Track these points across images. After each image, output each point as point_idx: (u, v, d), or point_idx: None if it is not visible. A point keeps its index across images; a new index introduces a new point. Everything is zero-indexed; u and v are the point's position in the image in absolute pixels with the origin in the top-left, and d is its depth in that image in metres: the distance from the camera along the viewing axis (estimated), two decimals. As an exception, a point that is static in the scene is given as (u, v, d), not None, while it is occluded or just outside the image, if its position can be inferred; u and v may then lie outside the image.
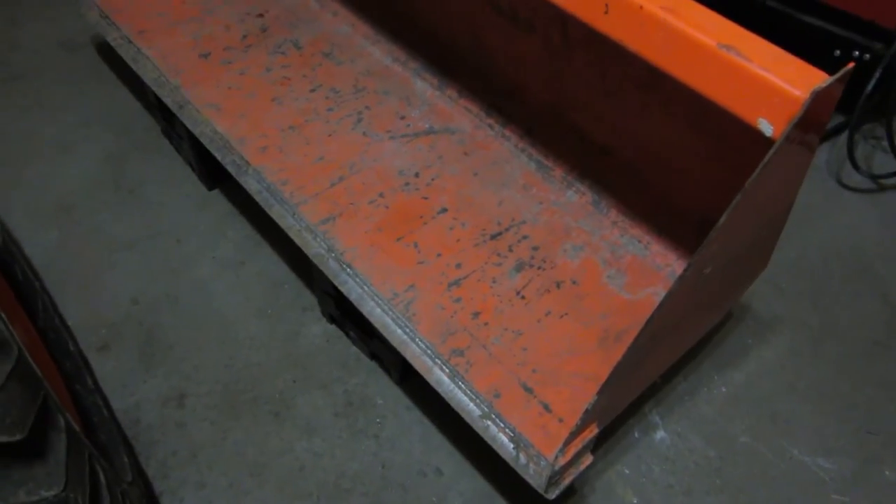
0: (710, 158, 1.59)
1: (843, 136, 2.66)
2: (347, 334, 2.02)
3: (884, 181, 2.58)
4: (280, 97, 2.11)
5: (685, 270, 1.19)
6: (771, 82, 1.07)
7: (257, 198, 1.88)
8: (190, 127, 2.01)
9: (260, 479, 1.80)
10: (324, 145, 2.00)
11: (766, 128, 1.08)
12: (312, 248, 1.76)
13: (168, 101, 2.07)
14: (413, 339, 1.59)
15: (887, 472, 1.88)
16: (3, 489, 0.98)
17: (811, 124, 1.12)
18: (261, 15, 2.39)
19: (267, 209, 1.87)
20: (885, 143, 2.56)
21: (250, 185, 1.88)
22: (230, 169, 1.93)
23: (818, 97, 1.03)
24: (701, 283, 1.32)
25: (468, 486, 1.79)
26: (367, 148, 2.00)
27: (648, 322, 1.23)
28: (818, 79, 1.05)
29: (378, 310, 1.65)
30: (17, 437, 0.95)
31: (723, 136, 1.51)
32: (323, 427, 1.89)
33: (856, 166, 2.52)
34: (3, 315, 1.10)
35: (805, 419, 1.96)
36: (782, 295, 2.24)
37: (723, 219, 1.14)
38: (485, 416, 1.48)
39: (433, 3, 2.11)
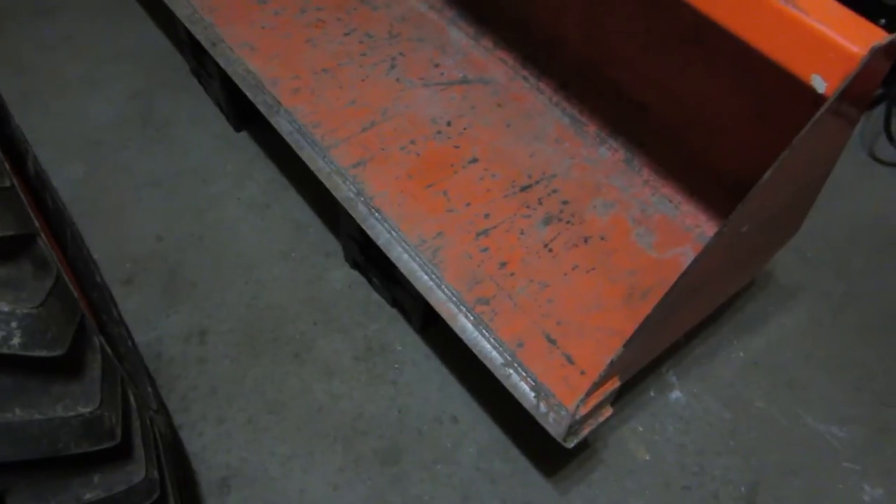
0: (751, 118, 1.57)
1: (880, 109, 2.62)
2: (370, 280, 2.03)
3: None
4: (314, 39, 2.09)
5: (723, 226, 1.18)
6: (827, 37, 1.04)
7: (288, 139, 1.88)
8: (223, 65, 2.00)
9: (279, 417, 1.82)
10: (356, 89, 1.98)
11: (820, 84, 1.06)
12: (342, 191, 1.76)
13: (201, 38, 2.05)
14: (439, 286, 1.60)
15: (900, 444, 1.89)
16: (42, 403, 1.00)
17: (864, 85, 1.10)
18: (295, -44, 2.36)
19: (298, 151, 1.87)
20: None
21: (282, 125, 1.87)
22: (262, 109, 1.92)
23: (876, 55, 1.01)
24: (736, 242, 1.31)
25: (483, 435, 1.81)
26: (400, 94, 1.99)
27: (682, 277, 1.23)
28: (876, 36, 1.03)
29: (405, 255, 1.65)
30: (58, 352, 0.97)
31: (767, 94, 1.49)
32: (342, 370, 1.91)
33: (891, 139, 2.49)
34: (43, 235, 1.11)
35: (821, 387, 1.97)
36: (806, 264, 2.23)
37: (767, 175, 1.13)
38: (507, 364, 1.49)
39: (471, -50, 2.08)
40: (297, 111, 1.90)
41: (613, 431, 1.85)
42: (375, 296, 2.04)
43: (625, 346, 1.32)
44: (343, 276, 2.08)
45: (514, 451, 1.80)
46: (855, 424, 1.91)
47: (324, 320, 1.99)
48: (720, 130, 1.67)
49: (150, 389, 1.67)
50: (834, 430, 1.90)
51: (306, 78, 1.99)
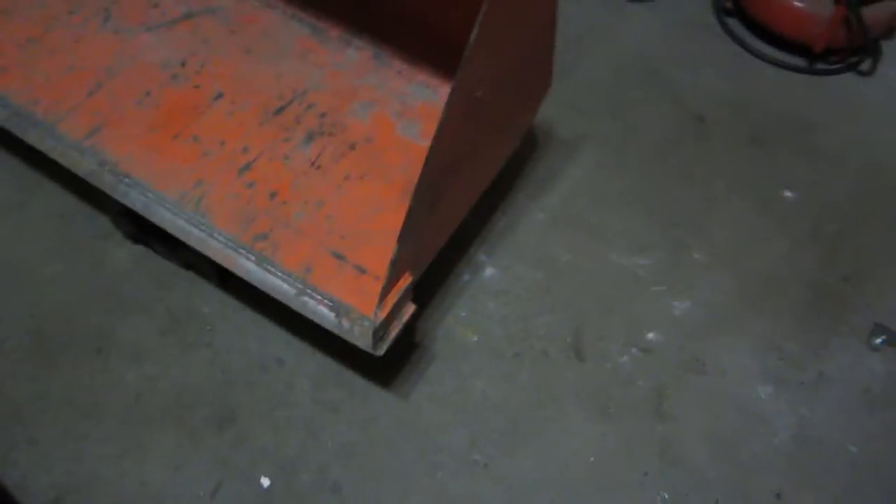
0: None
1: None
2: (155, 250, 1.90)
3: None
4: (7, 9, 1.86)
5: (450, 97, 1.16)
6: None
7: (7, 125, 1.68)
8: None
9: (96, 419, 1.70)
10: (72, 53, 1.79)
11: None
12: (83, 165, 1.61)
13: None
14: (211, 235, 1.51)
15: (696, 256, 2.03)
16: None
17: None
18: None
19: (22, 135, 1.68)
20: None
21: (-7, 112, 1.67)
22: (-34, 101, 1.70)
23: None
24: (476, 109, 1.30)
25: (313, 368, 1.78)
26: (123, 47, 1.81)
27: (428, 158, 1.21)
28: None
29: (168, 214, 1.54)
30: None
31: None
32: (151, 350, 1.80)
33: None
34: None
35: (618, 225, 2.06)
36: (583, 115, 2.30)
37: (474, 34, 1.11)
38: (300, 292, 1.44)
39: None
40: (10, 93, 1.70)
41: (439, 324, 1.86)
42: (167, 264, 1.91)
43: (399, 242, 1.30)
44: (126, 254, 1.93)
45: (348, 375, 1.78)
46: (654, 250, 2.03)
47: (118, 305, 1.86)
48: (451, 4, 1.63)
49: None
50: (637, 260, 2.01)
51: (11, 53, 1.77)
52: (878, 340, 1.88)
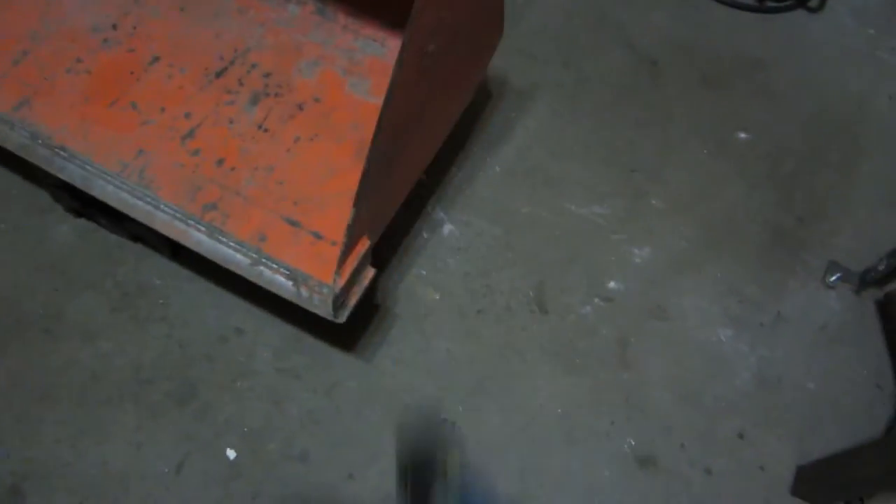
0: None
1: None
2: (99, 223, 1.82)
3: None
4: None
5: (401, 53, 1.11)
6: None
7: (-73, 99, 1.57)
8: None
9: (52, 402, 1.65)
10: (-7, 17, 1.68)
11: None
12: (13, 139, 1.52)
13: None
14: (157, 208, 1.44)
15: (654, 202, 2.02)
16: None
17: None
18: None
19: (-55, 110, 1.58)
20: None
21: None
22: None
23: None
24: (428, 64, 1.25)
25: (273, 336, 1.74)
26: (47, 9, 1.70)
27: (380, 120, 1.16)
28: None
29: (110, 187, 1.47)
30: None
31: None
32: (104, 327, 1.74)
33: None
34: None
35: (575, 175, 2.04)
36: (535, 62, 2.25)
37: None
38: (255, 262, 1.40)
39: None
40: (-72, 64, 1.58)
41: (400, 284, 1.83)
42: (114, 237, 1.84)
43: (354, 206, 1.26)
44: (70, 229, 1.85)
45: (309, 340, 1.75)
46: (612, 198, 2.02)
47: (64, 283, 1.78)
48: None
49: None
50: (596, 209, 1.99)
51: (-74, 21, 1.65)
52: (833, 278, 1.91)
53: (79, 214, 1.84)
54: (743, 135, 2.17)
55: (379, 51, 1.69)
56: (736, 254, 1.95)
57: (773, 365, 1.80)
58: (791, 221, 2.02)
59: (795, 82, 2.31)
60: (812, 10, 2.51)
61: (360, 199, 1.26)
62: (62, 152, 1.49)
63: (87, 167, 1.48)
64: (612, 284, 1.87)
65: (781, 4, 2.49)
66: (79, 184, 1.48)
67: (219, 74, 1.63)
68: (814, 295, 1.91)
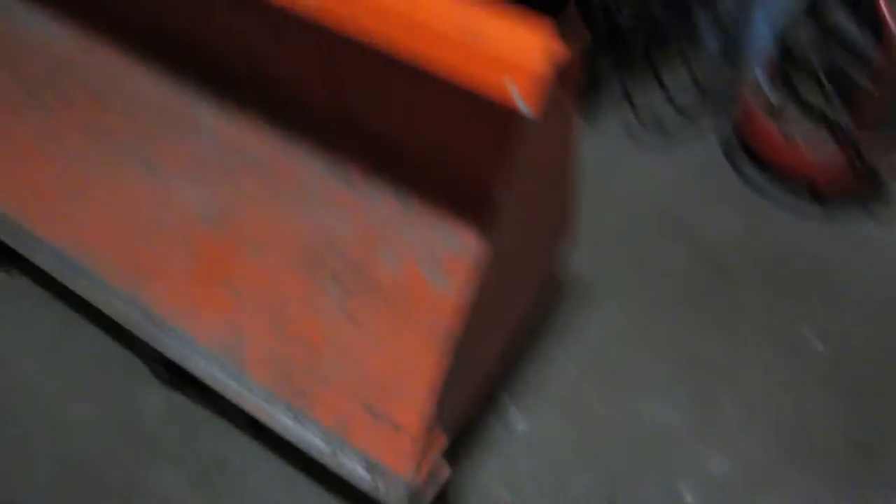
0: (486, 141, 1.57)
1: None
2: (189, 396, 1.91)
3: (669, 133, 2.73)
4: (51, 152, 1.95)
5: (483, 251, 1.19)
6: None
7: (57, 274, 1.75)
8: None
9: (119, 573, 1.66)
10: (115, 200, 1.87)
11: (525, 108, 1.11)
12: (122, 313, 1.65)
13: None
14: (249, 389, 1.52)
15: (728, 409, 1.99)
16: None
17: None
18: None
19: (71, 285, 1.74)
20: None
21: (43, 261, 1.74)
22: (22, 251, 1.77)
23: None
24: (504, 260, 1.33)
25: (342, 524, 1.74)
26: (162, 194, 1.88)
27: (461, 315, 1.23)
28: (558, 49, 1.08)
29: (204, 363, 1.56)
30: None
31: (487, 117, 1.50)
32: (182, 501, 1.77)
33: (641, 123, 2.69)
34: None
35: (647, 375, 2.04)
36: (604, 260, 2.31)
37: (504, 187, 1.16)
38: (335, 452, 1.44)
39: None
40: (59, 243, 1.77)
41: (472, 479, 1.83)
42: (202, 411, 1.92)
43: (436, 402, 1.30)
44: (162, 400, 1.94)
45: (377, 531, 1.74)
46: (686, 402, 2.00)
47: (150, 452, 1.85)
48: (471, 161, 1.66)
49: None
50: (669, 413, 1.98)
51: (55, 200, 1.86)
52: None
53: (171, 385, 1.94)
54: (815, 341, 2.15)
55: (455, 243, 1.78)
56: (818, 469, 1.88)
57: None
58: (873, 436, 1.96)
59: (864, 288, 2.30)
60: (875, 214, 2.50)
61: (442, 395, 1.31)
62: (165, 327, 1.61)
63: (187, 343, 1.59)
64: (689, 499, 1.81)
65: (842, 207, 2.47)
66: (176, 359, 1.58)
67: (311, 263, 1.74)
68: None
